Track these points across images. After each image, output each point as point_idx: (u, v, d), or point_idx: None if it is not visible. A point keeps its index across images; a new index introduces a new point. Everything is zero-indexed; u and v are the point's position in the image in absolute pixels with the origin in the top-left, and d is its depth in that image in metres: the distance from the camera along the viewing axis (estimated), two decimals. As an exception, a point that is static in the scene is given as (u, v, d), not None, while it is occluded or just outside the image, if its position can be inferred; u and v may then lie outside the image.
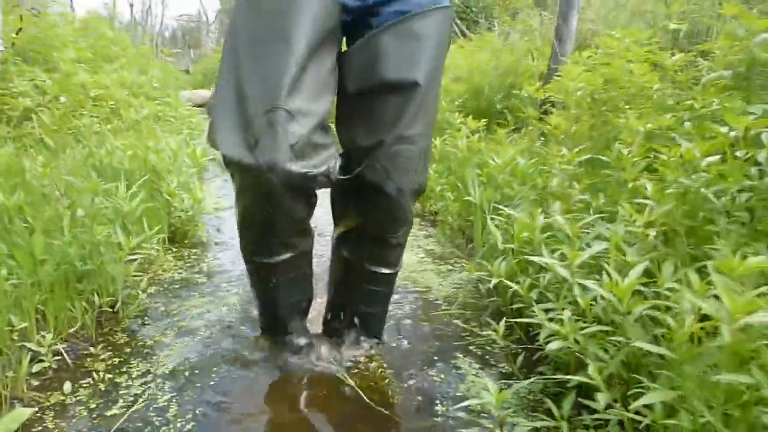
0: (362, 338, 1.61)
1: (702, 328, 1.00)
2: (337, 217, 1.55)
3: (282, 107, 1.10)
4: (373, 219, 1.42)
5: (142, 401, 1.35)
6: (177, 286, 2.07)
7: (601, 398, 1.06)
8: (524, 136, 3.09)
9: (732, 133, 1.42)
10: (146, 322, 1.79)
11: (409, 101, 1.25)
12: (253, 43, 1.15)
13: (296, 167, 1.12)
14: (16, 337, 1.44)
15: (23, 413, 1.12)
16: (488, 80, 4.34)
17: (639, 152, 1.78)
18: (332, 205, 1.55)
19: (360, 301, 1.57)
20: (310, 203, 1.28)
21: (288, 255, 1.34)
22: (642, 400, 0.97)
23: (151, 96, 4.94)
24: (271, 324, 1.55)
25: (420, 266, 2.33)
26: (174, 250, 2.48)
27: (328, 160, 1.20)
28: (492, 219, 2.02)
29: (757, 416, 0.83)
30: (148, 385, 1.42)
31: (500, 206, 2.33)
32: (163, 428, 1.25)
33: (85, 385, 1.42)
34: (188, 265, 2.32)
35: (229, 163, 1.15)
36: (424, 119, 1.31)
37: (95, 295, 1.75)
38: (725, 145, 1.46)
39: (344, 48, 1.38)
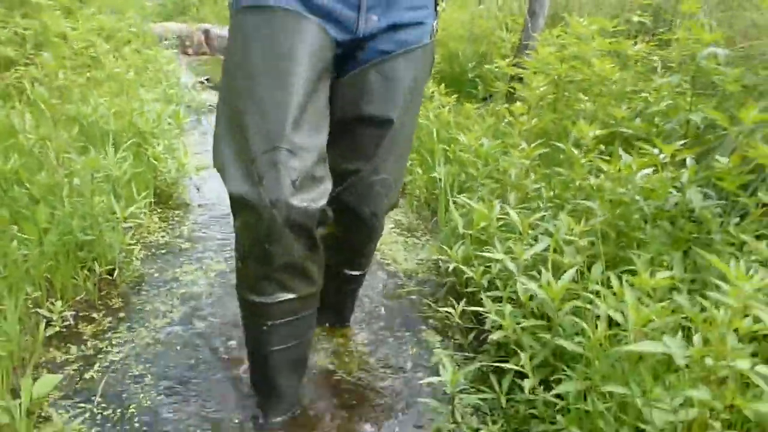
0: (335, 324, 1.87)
1: (612, 332, 1.25)
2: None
3: (283, 147, 1.16)
4: (349, 235, 1.58)
5: (134, 364, 1.58)
6: (163, 251, 2.27)
7: (527, 383, 1.32)
8: (491, 114, 3.28)
9: (661, 156, 1.65)
10: (142, 289, 1.99)
11: (385, 135, 1.40)
12: (253, 80, 1.19)
13: (297, 201, 1.18)
14: (30, 305, 1.64)
15: (54, 378, 1.33)
16: (462, 47, 4.48)
17: (587, 156, 2.01)
18: None
19: (333, 297, 1.73)
20: (311, 244, 1.28)
21: (285, 296, 1.30)
22: (558, 389, 1.23)
23: (127, 40, 4.95)
24: (260, 381, 1.49)
25: (389, 237, 2.55)
26: (159, 211, 2.66)
27: (326, 195, 1.26)
28: (454, 203, 2.24)
29: (638, 413, 1.10)
30: (134, 349, 1.65)
31: (463, 188, 2.55)
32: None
33: (83, 350, 1.63)
34: (172, 227, 2.50)
35: (234, 199, 1.20)
36: (398, 150, 1.46)
37: (95, 263, 1.94)
38: (656, 162, 1.70)
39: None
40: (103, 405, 1.44)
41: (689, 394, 0.95)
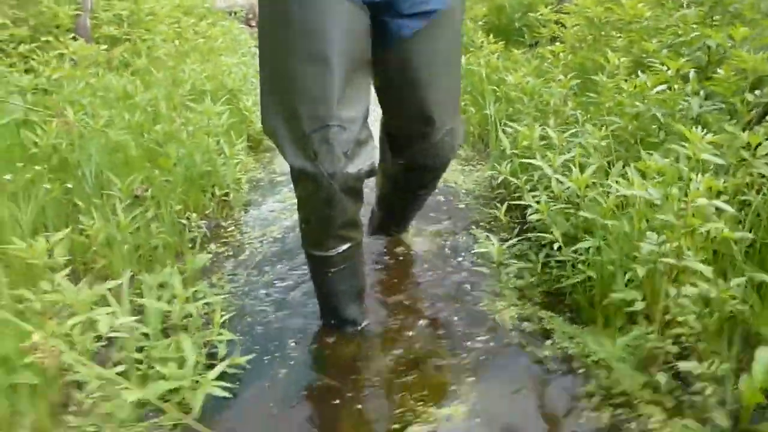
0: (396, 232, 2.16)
1: (620, 205, 1.65)
2: (385, 160, 1.82)
3: (333, 124, 1.25)
4: (421, 179, 1.81)
5: (258, 254, 2.08)
6: (262, 183, 2.76)
7: (557, 244, 1.73)
8: (536, 57, 3.61)
9: (668, 72, 2.00)
10: (248, 206, 2.49)
11: (439, 95, 1.53)
12: (292, 64, 1.26)
13: (352, 169, 1.31)
14: (175, 215, 2.15)
15: (204, 257, 1.82)
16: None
17: (615, 81, 2.36)
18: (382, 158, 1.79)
19: (401, 210, 2.04)
20: (360, 198, 1.45)
21: (344, 247, 1.49)
22: (579, 245, 1.64)
23: (202, 15, 5.47)
24: (330, 313, 1.68)
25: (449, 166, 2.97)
26: (253, 154, 3.16)
27: (374, 152, 1.40)
28: (503, 131, 2.63)
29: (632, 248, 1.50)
30: (259, 247, 2.14)
31: (511, 120, 2.93)
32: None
33: (223, 238, 2.15)
34: (264, 166, 3.00)
35: (295, 171, 1.33)
36: (453, 98, 1.61)
37: (214, 188, 2.45)
38: (668, 79, 2.04)
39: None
40: (230, 276, 1.94)
41: (661, 217, 1.35)
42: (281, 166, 3.01)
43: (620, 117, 2.09)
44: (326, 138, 1.25)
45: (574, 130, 2.25)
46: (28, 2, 3.43)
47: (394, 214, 2.08)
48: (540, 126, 2.37)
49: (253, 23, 7.94)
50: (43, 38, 3.29)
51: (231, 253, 2.10)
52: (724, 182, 1.44)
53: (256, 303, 1.80)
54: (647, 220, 1.52)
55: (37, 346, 1.06)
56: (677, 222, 1.32)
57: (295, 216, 2.40)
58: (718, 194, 1.36)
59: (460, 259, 2.06)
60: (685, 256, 1.37)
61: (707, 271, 1.35)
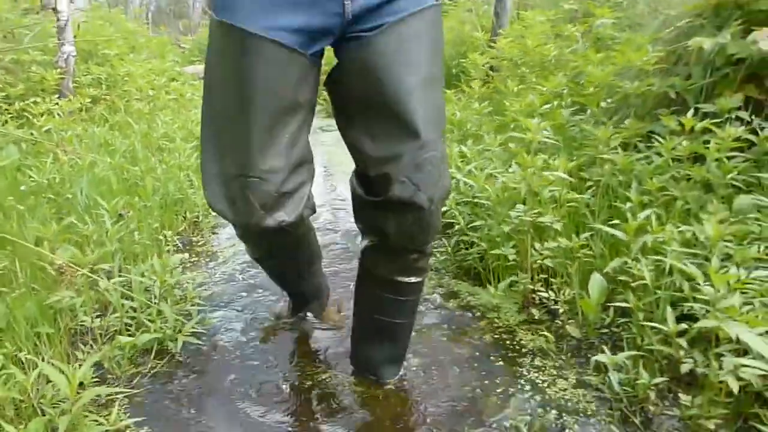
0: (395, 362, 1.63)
1: (504, 191, 2.11)
2: (363, 232, 1.48)
3: (251, 175, 1.20)
4: (403, 233, 1.35)
5: (227, 259, 2.49)
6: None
7: (459, 227, 2.19)
8: (469, 96, 4.17)
9: (545, 89, 2.52)
10: (216, 228, 2.91)
11: (416, 108, 1.22)
12: (223, 102, 1.21)
13: (270, 221, 1.25)
14: (152, 232, 2.56)
15: (179, 256, 2.23)
16: (447, 49, 5.39)
17: (514, 103, 2.87)
18: (356, 220, 1.47)
19: (390, 314, 1.52)
20: (297, 234, 1.50)
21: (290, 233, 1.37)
22: (474, 224, 2.09)
23: (172, 77, 5.98)
24: (289, 288, 1.84)
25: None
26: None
27: (302, 201, 1.30)
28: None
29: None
30: (228, 255, 2.56)
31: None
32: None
33: (196, 249, 2.55)
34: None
35: (215, 211, 1.29)
36: (438, 122, 1.29)
37: (186, 212, 2.87)
38: (549, 99, 2.56)
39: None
40: (203, 272, 2.34)
41: (515, 187, 1.81)
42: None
43: (516, 131, 2.58)
44: (243, 187, 1.21)
45: (482, 146, 2.75)
46: (17, 69, 3.89)
47: (377, 338, 1.59)
48: (459, 145, 2.87)
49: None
50: (31, 99, 3.73)
51: (202, 259, 2.51)
52: (570, 160, 1.92)
53: (225, 288, 2.20)
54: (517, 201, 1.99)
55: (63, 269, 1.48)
56: (526, 188, 1.79)
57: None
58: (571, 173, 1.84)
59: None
60: (543, 218, 1.83)
61: (558, 225, 1.81)
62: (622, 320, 1.67)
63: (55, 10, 4.06)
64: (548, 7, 4.99)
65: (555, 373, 1.57)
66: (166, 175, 2.95)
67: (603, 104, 2.29)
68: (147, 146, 3.28)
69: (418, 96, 1.22)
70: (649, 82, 2.25)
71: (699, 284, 1.35)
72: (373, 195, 1.33)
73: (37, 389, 1.39)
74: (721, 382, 1.24)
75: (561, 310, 1.79)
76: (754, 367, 1.14)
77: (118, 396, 1.51)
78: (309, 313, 1.94)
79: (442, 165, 1.30)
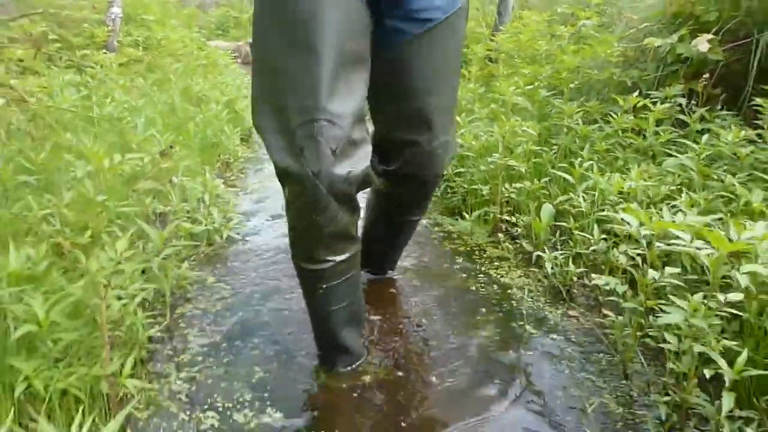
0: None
1: (486, 147, 2.64)
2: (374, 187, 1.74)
3: (320, 117, 1.15)
4: (410, 196, 1.70)
5: (255, 194, 3.02)
6: (251, 159, 3.72)
7: (447, 175, 2.72)
8: (467, 80, 4.69)
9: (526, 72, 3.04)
10: (243, 170, 3.43)
11: (435, 104, 1.45)
12: (282, 54, 1.20)
13: (339, 169, 1.19)
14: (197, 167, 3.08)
15: (219, 181, 2.75)
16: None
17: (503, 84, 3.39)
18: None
19: (389, 241, 1.92)
20: (354, 208, 1.33)
21: (336, 260, 1.36)
22: (460, 170, 2.62)
23: (199, 46, 6.49)
24: (324, 339, 1.53)
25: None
26: (245, 144, 4.12)
27: (367, 157, 1.28)
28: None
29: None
30: (254, 185, 3.09)
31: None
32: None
33: (229, 182, 3.08)
34: (253, 151, 3.96)
35: (279, 169, 1.23)
36: (449, 111, 1.53)
37: (220, 155, 3.39)
38: (532, 81, 3.08)
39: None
40: (238, 197, 2.86)
41: (490, 138, 2.34)
42: (262, 152, 3.98)
43: (502, 105, 3.11)
44: (312, 133, 1.16)
45: (473, 117, 3.27)
46: (70, 24, 4.39)
47: (382, 247, 1.95)
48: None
49: (238, 60, 8.99)
50: (80, 52, 4.24)
51: (234, 189, 3.04)
52: (541, 126, 2.45)
53: (253, 207, 2.72)
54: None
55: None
56: (501, 142, 2.32)
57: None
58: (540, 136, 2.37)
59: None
60: (512, 163, 2.36)
61: (523, 169, 2.34)
62: (564, 239, 2.20)
63: (107, -26, 4.57)
64: (545, 8, 5.53)
65: (509, 269, 2.11)
66: (204, 123, 3.47)
67: (572, 86, 2.82)
68: (187, 99, 3.79)
69: (438, 94, 1.44)
70: (611, 71, 2.78)
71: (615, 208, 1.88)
72: (384, 164, 1.59)
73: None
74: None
75: (520, 233, 2.32)
76: (634, 250, 1.66)
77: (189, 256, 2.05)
78: None
79: (450, 144, 1.55)
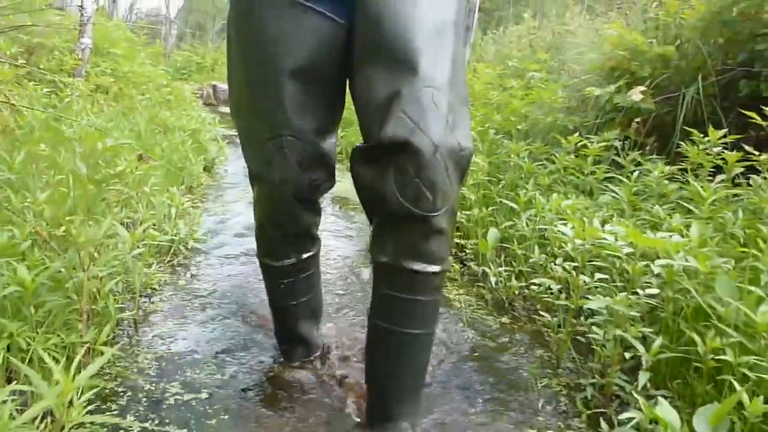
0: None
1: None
2: (368, 215, 1.26)
3: (285, 134, 1.25)
4: (403, 190, 1.08)
5: (218, 215, 3.13)
6: (212, 185, 3.83)
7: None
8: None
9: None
10: (205, 195, 3.54)
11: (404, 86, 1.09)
12: (250, 75, 1.28)
13: (304, 178, 1.30)
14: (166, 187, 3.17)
15: (185, 198, 2.85)
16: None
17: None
18: (360, 201, 1.24)
19: (401, 322, 1.22)
20: (316, 210, 1.44)
21: (298, 258, 1.47)
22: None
23: (164, 82, 6.63)
24: (282, 330, 1.62)
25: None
26: (208, 173, 4.23)
27: (331, 167, 1.37)
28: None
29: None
30: (217, 201, 3.20)
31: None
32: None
33: (193, 204, 3.18)
34: (215, 179, 4.08)
35: (252, 173, 1.37)
36: (447, 67, 1.13)
37: (183, 179, 3.50)
38: (483, 123, 3.32)
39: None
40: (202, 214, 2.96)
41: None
42: (226, 178, 4.09)
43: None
44: (278, 146, 1.26)
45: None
46: (41, 51, 4.48)
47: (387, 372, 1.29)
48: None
49: (200, 101, 9.15)
50: (48, 78, 4.32)
51: (197, 208, 3.14)
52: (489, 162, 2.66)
53: (216, 226, 2.83)
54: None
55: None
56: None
57: (237, 203, 3.47)
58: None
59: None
60: (464, 193, 2.55)
61: (473, 197, 2.53)
62: (508, 259, 2.38)
63: (80, 6, 4.70)
64: (498, 62, 5.91)
65: (456, 287, 2.26)
66: (170, 148, 3.58)
67: (519, 128, 3.06)
68: (153, 127, 3.90)
69: (422, 35, 1.11)
70: (555, 115, 3.04)
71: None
72: (367, 141, 1.16)
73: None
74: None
75: (468, 257, 2.49)
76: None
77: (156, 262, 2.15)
78: None
79: (452, 116, 1.10)
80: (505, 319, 1.99)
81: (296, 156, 1.27)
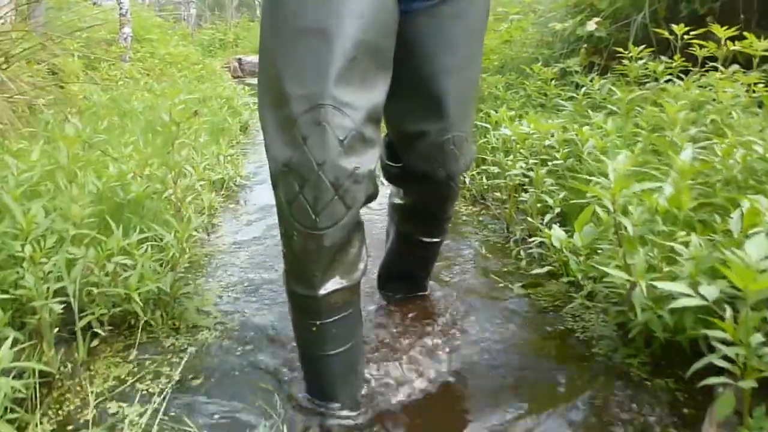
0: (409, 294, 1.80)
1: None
2: (392, 194, 1.69)
3: (327, 103, 1.02)
4: (424, 200, 1.54)
5: (250, 152, 3.83)
6: (248, 144, 4.54)
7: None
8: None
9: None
10: (244, 149, 4.25)
11: (452, 90, 1.28)
12: (291, 38, 1.07)
13: (347, 163, 1.04)
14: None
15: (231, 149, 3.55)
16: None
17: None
18: (384, 177, 1.56)
19: (411, 266, 1.76)
20: (358, 223, 1.17)
21: (336, 287, 1.15)
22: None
23: (195, 60, 7.35)
24: (314, 386, 1.30)
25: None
26: (242, 134, 4.94)
27: (376, 158, 1.13)
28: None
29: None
30: (250, 152, 3.89)
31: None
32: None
33: (237, 153, 3.90)
34: (250, 138, 4.78)
35: (278, 166, 1.07)
36: (467, 103, 1.37)
37: (226, 135, 4.20)
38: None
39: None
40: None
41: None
42: (258, 140, 4.79)
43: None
44: (318, 119, 1.02)
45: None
46: (92, 43, 5.22)
47: (402, 269, 1.79)
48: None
49: (229, 74, 9.86)
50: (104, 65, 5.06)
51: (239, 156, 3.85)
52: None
53: (257, 168, 3.52)
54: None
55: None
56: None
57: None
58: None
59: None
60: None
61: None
62: (482, 168, 3.00)
63: (119, 1, 5.41)
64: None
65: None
66: (211, 113, 4.29)
67: (495, 63, 3.65)
68: (194, 98, 4.62)
69: (452, 75, 1.28)
70: (526, 49, 3.61)
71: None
72: (395, 161, 1.48)
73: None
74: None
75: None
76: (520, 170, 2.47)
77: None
78: None
79: (466, 143, 1.38)
80: (476, 208, 2.64)
81: (338, 132, 1.03)
